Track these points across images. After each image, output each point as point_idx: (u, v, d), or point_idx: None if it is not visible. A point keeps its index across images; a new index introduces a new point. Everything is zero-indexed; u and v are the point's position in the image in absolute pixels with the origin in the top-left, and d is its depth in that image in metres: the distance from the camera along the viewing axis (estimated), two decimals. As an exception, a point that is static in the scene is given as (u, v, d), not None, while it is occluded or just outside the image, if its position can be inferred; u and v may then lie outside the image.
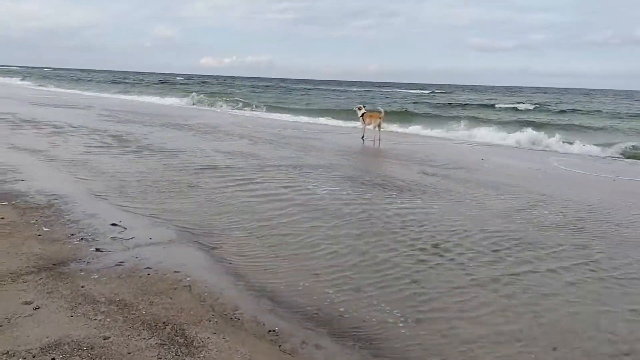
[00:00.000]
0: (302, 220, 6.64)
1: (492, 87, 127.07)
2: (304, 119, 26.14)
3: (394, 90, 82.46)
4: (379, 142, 15.59)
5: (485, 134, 20.09)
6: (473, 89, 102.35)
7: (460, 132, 21.05)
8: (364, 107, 16.69)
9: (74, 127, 15.21)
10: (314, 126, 21.84)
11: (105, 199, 7.15)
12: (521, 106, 40.62)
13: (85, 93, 42.94)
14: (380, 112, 16.28)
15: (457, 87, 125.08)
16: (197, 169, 9.58)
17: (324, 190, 8.46)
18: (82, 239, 5.40)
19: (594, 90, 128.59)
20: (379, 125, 16.00)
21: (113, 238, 5.50)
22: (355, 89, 77.37)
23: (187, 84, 72.35)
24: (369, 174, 10.15)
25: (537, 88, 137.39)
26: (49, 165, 9.20)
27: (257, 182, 8.76)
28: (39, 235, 5.42)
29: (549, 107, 41.04)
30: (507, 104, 43.58)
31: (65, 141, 12.15)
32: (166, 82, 73.19)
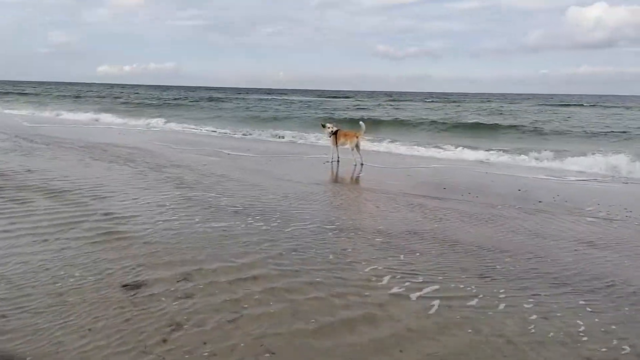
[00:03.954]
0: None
1: (409, 93, 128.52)
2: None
3: (319, 98, 79.76)
4: (361, 167, 12.42)
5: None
6: (388, 94, 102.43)
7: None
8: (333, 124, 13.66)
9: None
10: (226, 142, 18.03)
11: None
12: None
13: None
14: (360, 128, 13.02)
15: (367, 93, 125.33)
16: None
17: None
18: None
19: (495, 94, 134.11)
20: (357, 146, 12.83)
21: None
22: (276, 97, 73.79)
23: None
24: (464, 244, 6.03)
25: (442, 93, 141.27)
26: None
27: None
28: None
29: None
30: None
31: None
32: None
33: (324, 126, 13.64)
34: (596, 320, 4.04)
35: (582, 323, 3.96)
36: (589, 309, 4.23)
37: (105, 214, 6.65)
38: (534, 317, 4.03)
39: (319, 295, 4.39)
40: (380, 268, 5.06)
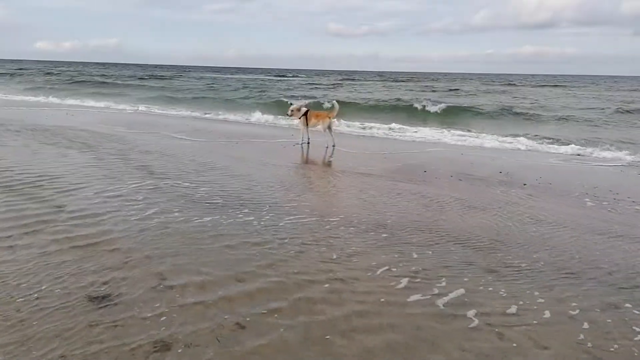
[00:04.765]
0: None
1: (360, 72, 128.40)
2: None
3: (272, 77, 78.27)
4: (333, 149, 11.94)
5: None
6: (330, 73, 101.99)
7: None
8: (302, 106, 13.07)
9: None
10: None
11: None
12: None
13: None
14: (333, 108, 12.45)
15: (317, 71, 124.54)
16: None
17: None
18: None
19: (448, 73, 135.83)
20: (329, 127, 12.33)
21: None
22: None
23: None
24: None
25: (391, 72, 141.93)
26: None
27: None
28: None
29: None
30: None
31: None
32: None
33: (298, 110, 12.91)
34: (648, 325, 3.67)
35: (638, 330, 3.58)
36: (637, 312, 3.86)
37: (70, 210, 5.83)
38: (586, 326, 3.62)
39: (328, 304, 3.83)
40: (394, 269, 4.55)
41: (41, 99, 27.42)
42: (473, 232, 5.77)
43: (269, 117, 19.89)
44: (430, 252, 5.02)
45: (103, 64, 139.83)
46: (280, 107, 22.15)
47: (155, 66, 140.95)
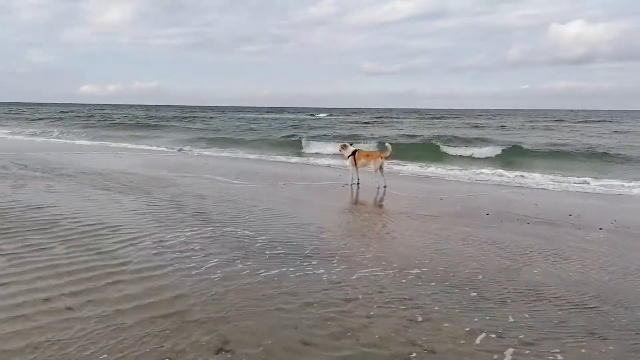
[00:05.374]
0: None
1: (396, 110, 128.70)
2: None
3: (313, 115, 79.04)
4: (384, 190, 11.53)
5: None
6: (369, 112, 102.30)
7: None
8: (349, 144, 12.96)
9: None
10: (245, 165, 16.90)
11: None
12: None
13: None
14: (386, 149, 12.17)
15: (352, 110, 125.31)
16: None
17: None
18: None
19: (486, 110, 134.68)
20: (381, 167, 11.98)
21: None
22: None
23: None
24: None
25: (428, 110, 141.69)
26: None
27: None
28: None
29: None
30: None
31: None
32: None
33: (345, 147, 12.79)
34: None
35: None
36: None
37: (133, 270, 5.47)
38: None
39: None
40: (492, 336, 4.02)
41: (87, 141, 28.05)
42: (563, 286, 5.20)
43: (312, 158, 19.66)
44: (527, 315, 4.47)
45: (145, 106, 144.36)
46: (317, 146, 21.98)
47: (195, 107, 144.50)
